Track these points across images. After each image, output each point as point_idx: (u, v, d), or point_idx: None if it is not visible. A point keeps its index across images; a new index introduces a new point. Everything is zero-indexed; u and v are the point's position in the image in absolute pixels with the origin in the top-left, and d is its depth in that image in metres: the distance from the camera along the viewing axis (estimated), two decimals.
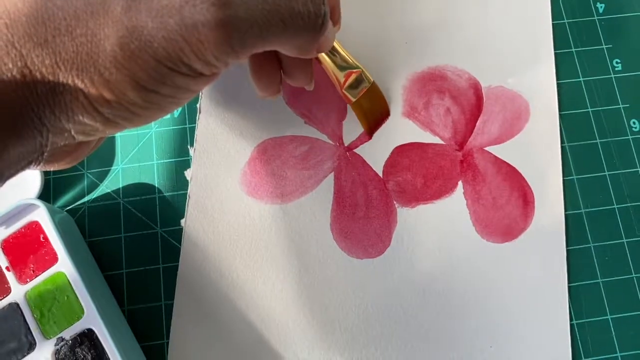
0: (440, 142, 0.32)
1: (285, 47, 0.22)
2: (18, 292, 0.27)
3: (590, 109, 0.34)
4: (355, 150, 0.32)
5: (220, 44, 0.19)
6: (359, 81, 0.30)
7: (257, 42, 0.20)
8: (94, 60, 0.19)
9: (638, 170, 0.33)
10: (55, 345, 0.27)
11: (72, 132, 0.20)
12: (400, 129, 0.32)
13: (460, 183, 0.32)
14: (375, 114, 0.32)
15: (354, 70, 0.30)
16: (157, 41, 0.18)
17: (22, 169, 0.20)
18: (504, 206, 0.31)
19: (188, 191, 0.31)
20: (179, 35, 0.18)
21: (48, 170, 0.23)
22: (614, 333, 0.30)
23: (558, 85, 0.33)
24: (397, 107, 0.33)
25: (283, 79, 0.29)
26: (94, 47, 0.19)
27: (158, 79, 0.19)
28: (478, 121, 0.33)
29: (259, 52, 0.21)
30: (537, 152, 0.32)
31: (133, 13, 0.19)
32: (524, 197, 0.31)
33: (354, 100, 0.30)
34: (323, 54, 0.28)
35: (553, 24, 0.35)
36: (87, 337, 0.27)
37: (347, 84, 0.30)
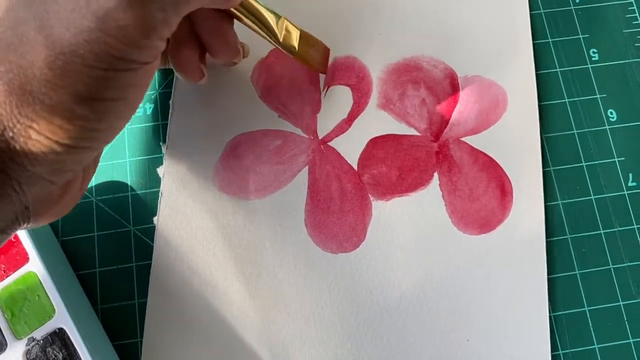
0: (416, 133, 0.32)
1: (206, 2, 0.21)
2: None
3: (567, 100, 0.33)
4: (329, 143, 0.32)
5: (143, 21, 0.18)
6: (290, 30, 0.29)
7: (181, 5, 0.20)
8: (29, 91, 0.18)
9: (615, 161, 0.32)
10: (27, 345, 0.26)
11: (45, 176, 0.19)
12: (375, 121, 0.32)
13: (436, 175, 0.31)
14: (319, 52, 0.31)
15: (280, 20, 0.28)
16: (81, 47, 0.18)
17: (10, 228, 0.20)
18: (481, 197, 0.31)
19: (160, 188, 0.31)
20: (98, 32, 0.18)
21: (41, 225, 0.22)
22: (591, 325, 0.30)
23: (535, 75, 0.33)
24: (372, 99, 0.32)
25: (209, 60, 0.28)
26: (24, 78, 0.18)
27: (99, 84, 0.19)
28: (454, 111, 0.32)
29: (176, 32, 0.21)
30: (516, 142, 0.32)
31: (46, 30, 0.18)
32: (502, 188, 0.31)
33: (297, 49, 0.29)
34: (241, 13, 0.26)
35: (530, 14, 0.34)
36: (59, 337, 0.27)
37: (283, 35, 0.28)
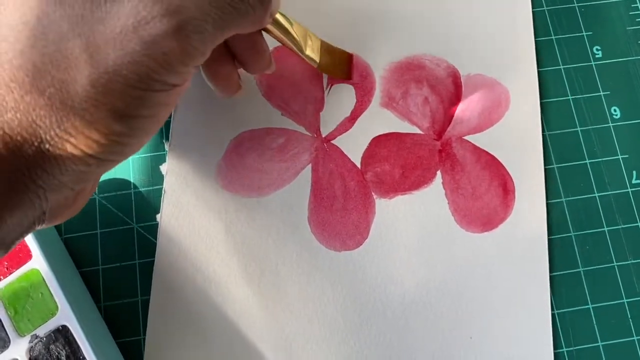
0: (419, 131, 0.32)
1: (242, 28, 0.22)
2: None
3: (570, 97, 0.33)
4: (333, 142, 0.32)
5: (184, 49, 0.19)
6: (312, 41, 0.29)
7: (217, 34, 0.21)
8: (70, 107, 0.18)
9: (619, 158, 0.32)
10: (30, 342, 0.26)
11: (69, 184, 0.20)
12: (378, 119, 0.32)
13: (439, 173, 0.31)
14: (341, 62, 0.32)
15: (304, 32, 0.29)
16: (124, 68, 0.19)
17: (26, 232, 0.20)
18: (484, 195, 0.31)
19: (163, 186, 0.31)
20: (143, 56, 0.19)
21: (51, 226, 0.23)
22: (595, 322, 0.30)
23: (538, 73, 0.33)
24: (375, 98, 0.32)
25: (241, 72, 0.29)
26: (65, 93, 0.18)
27: (137, 103, 0.20)
28: (457, 110, 0.32)
29: (213, 51, 0.21)
30: (518, 140, 0.32)
31: (92, 49, 0.18)
32: (504, 186, 0.31)
33: (317, 62, 0.30)
34: (272, 26, 0.27)
35: (533, 11, 0.34)
36: (62, 334, 0.27)
37: (307, 48, 0.29)
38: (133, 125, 0.20)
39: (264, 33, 0.27)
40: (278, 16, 0.27)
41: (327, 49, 0.31)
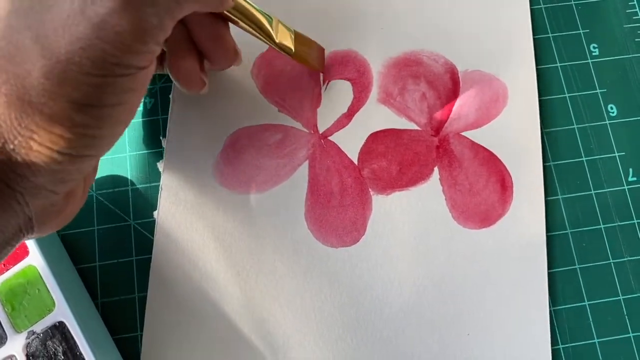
0: (416, 128, 0.32)
1: (201, 3, 0.21)
2: None
3: (567, 95, 0.33)
4: (330, 138, 0.32)
5: (138, 26, 0.18)
6: (284, 31, 0.29)
7: (173, 7, 0.20)
8: (27, 102, 0.18)
9: (616, 156, 0.32)
10: (27, 338, 0.26)
11: (47, 186, 0.19)
12: (375, 116, 0.32)
13: (436, 169, 0.31)
14: (314, 52, 0.31)
15: (274, 21, 0.28)
16: (77, 55, 0.18)
17: (13, 240, 0.20)
18: (481, 192, 0.31)
19: (160, 183, 0.31)
20: (94, 39, 0.18)
21: (46, 234, 0.22)
22: (591, 319, 0.30)
23: (536, 70, 0.33)
24: (372, 94, 0.32)
25: (207, 68, 0.28)
26: (22, 88, 0.18)
27: (97, 91, 0.19)
28: (454, 106, 0.32)
29: (175, 44, 0.21)
30: (516, 136, 0.32)
31: (42, 39, 0.18)
32: (502, 182, 0.31)
33: (293, 50, 0.29)
34: (235, 16, 0.26)
35: (530, 9, 0.34)
36: (59, 330, 0.26)
37: (279, 36, 0.28)
38: (97, 115, 0.19)
39: (230, 25, 0.27)
40: (242, 2, 0.26)
41: (300, 40, 0.30)
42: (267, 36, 0.28)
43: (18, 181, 0.19)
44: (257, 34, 0.28)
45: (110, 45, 0.18)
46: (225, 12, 0.25)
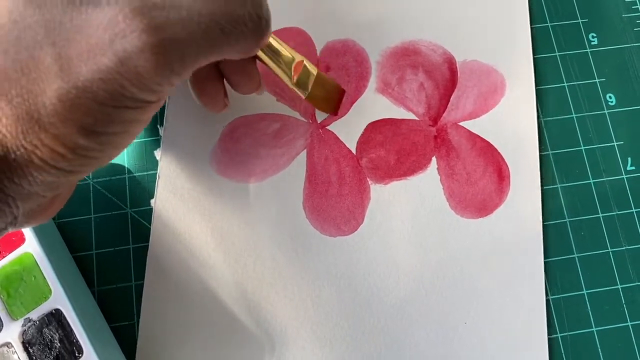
0: (414, 117, 0.32)
1: (229, 55, 0.21)
2: None
3: (566, 84, 0.33)
4: (328, 127, 0.32)
5: (160, 70, 0.18)
6: (306, 72, 0.28)
7: (200, 59, 0.20)
8: (36, 119, 0.18)
9: (614, 145, 0.32)
10: (23, 326, 0.26)
11: (40, 193, 0.19)
12: (373, 105, 0.32)
13: (434, 159, 0.31)
14: (331, 96, 0.31)
15: (298, 61, 0.28)
16: (95, 84, 0.18)
17: None
18: (479, 181, 0.31)
19: (158, 171, 0.31)
20: (115, 73, 0.18)
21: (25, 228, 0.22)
22: (589, 308, 0.30)
23: (534, 60, 0.33)
24: (370, 83, 0.32)
25: (229, 89, 0.28)
26: (33, 105, 0.18)
27: (106, 120, 0.19)
28: (452, 96, 0.32)
29: (201, 67, 0.21)
30: (513, 126, 0.32)
31: (64, 61, 0.17)
32: (499, 172, 0.31)
33: (307, 94, 0.29)
34: (261, 52, 0.26)
35: None
36: (55, 318, 0.26)
37: (296, 78, 0.28)
38: (102, 141, 0.19)
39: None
40: (271, 41, 0.26)
41: (321, 81, 0.29)
42: (286, 75, 0.28)
43: (13, 188, 0.19)
44: (277, 72, 0.27)
45: (128, 81, 0.18)
46: None
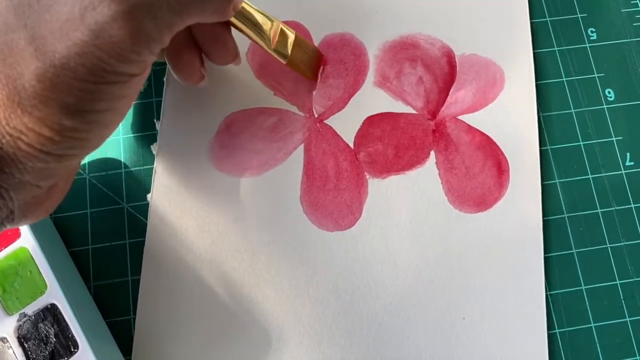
0: (413, 111, 0.32)
1: (202, 16, 0.21)
2: None
3: (565, 79, 0.33)
4: (326, 121, 0.31)
5: (135, 37, 0.18)
6: (284, 35, 0.28)
7: (174, 20, 0.19)
8: (17, 103, 0.17)
9: (613, 140, 0.32)
10: (18, 320, 0.26)
11: (32, 182, 0.19)
12: (372, 99, 0.32)
13: (432, 153, 0.31)
14: (311, 59, 0.31)
15: (275, 25, 0.27)
16: (72, 60, 0.17)
17: None
18: (478, 175, 0.31)
19: (154, 166, 0.31)
20: (91, 46, 0.17)
21: (24, 225, 0.22)
22: (588, 304, 0.30)
23: (533, 54, 0.33)
24: (369, 77, 0.32)
25: (206, 62, 0.28)
26: (12, 89, 0.17)
27: (89, 97, 0.18)
28: (451, 90, 0.32)
29: (175, 37, 0.20)
30: (513, 120, 0.32)
31: (39, 42, 0.17)
32: (498, 166, 0.31)
33: (288, 57, 0.28)
34: (236, 19, 0.26)
35: None
36: (50, 312, 0.26)
37: (276, 41, 0.27)
38: (88, 120, 0.19)
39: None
40: (245, 6, 0.26)
41: (299, 44, 0.29)
42: (264, 41, 0.27)
43: (4, 178, 0.18)
44: (255, 38, 0.27)
45: (106, 54, 0.18)
46: None
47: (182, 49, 0.26)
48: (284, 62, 0.29)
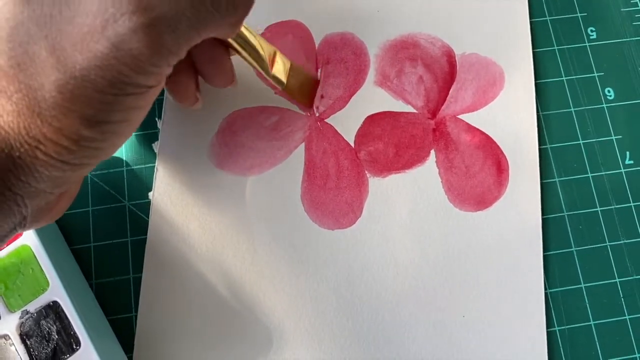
0: (413, 110, 0.32)
1: (219, 30, 0.21)
2: None
3: (564, 78, 0.33)
4: (326, 120, 0.32)
5: (155, 49, 0.18)
6: (281, 63, 0.28)
7: (192, 35, 0.20)
8: (37, 113, 0.18)
9: (613, 139, 0.32)
10: (20, 318, 0.26)
11: (47, 190, 0.19)
12: (372, 98, 0.32)
13: (432, 152, 0.31)
14: (306, 86, 0.31)
15: (272, 53, 0.28)
16: (92, 72, 0.18)
17: (7, 237, 0.20)
18: (477, 174, 0.31)
19: (156, 164, 0.31)
20: (112, 59, 0.18)
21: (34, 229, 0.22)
22: (587, 302, 0.30)
23: (532, 54, 0.33)
24: (369, 76, 0.32)
25: (202, 84, 0.28)
26: (33, 100, 0.18)
27: (107, 108, 0.19)
28: (451, 89, 0.32)
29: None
30: (512, 119, 0.32)
31: (59, 53, 0.17)
32: (498, 165, 0.31)
33: (285, 84, 0.29)
34: (235, 42, 0.26)
35: None
36: (52, 310, 0.26)
37: (274, 68, 0.28)
38: (104, 130, 0.19)
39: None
40: (244, 30, 0.26)
41: (295, 72, 0.30)
42: (263, 67, 0.28)
43: (20, 186, 0.19)
44: (253, 63, 0.27)
45: (125, 66, 0.18)
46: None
47: (179, 71, 0.26)
48: (280, 88, 0.29)
